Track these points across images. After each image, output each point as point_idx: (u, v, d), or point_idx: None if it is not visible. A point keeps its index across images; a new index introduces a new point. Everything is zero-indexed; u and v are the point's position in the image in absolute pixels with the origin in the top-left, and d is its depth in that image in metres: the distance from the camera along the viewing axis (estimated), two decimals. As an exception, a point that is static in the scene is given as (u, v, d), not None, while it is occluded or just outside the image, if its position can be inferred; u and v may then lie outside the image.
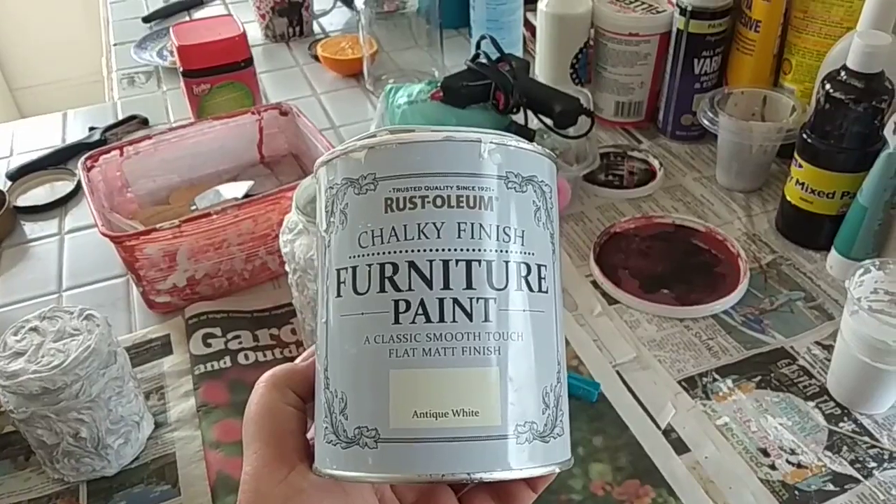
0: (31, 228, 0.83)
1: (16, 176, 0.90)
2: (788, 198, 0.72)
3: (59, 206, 0.86)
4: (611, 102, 0.91)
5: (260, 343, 0.65)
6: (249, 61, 0.88)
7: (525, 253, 0.29)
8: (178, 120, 0.99)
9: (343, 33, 1.20)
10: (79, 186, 0.87)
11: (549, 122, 0.77)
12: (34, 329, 0.53)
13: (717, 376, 0.61)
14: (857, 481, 0.52)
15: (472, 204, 0.28)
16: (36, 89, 2.51)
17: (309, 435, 0.32)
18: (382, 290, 0.28)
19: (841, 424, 0.56)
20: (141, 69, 1.14)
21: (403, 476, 0.28)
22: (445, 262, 0.28)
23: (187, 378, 0.62)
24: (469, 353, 0.28)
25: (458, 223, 0.28)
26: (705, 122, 0.77)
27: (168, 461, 0.56)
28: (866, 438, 0.55)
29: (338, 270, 0.30)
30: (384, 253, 0.29)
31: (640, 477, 0.53)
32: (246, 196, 0.74)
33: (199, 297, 0.68)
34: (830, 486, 0.52)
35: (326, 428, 0.29)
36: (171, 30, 0.87)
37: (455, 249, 0.28)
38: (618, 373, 0.61)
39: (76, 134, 0.99)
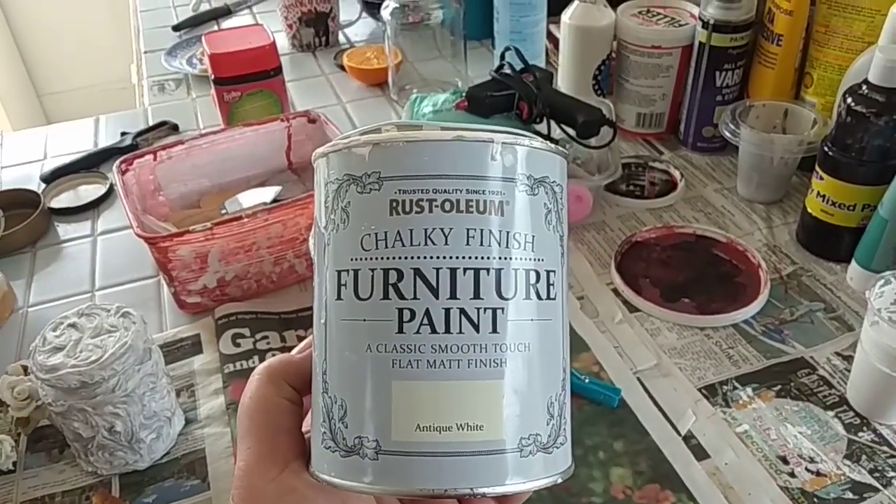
0: (64, 230, 0.85)
1: (50, 179, 0.92)
2: (809, 210, 0.73)
3: (91, 208, 0.88)
4: (632, 114, 0.92)
5: (287, 344, 0.66)
6: (279, 70, 0.90)
7: (535, 260, 0.28)
8: (208, 126, 1.01)
9: (368, 43, 1.22)
10: (111, 190, 0.90)
11: (571, 132, 0.78)
12: (73, 325, 0.55)
13: (737, 384, 0.61)
14: (876, 490, 0.53)
15: (482, 209, 0.27)
16: (62, 95, 2.56)
17: (304, 428, 0.31)
18: (386, 296, 0.27)
19: (860, 434, 0.57)
20: (171, 76, 1.17)
21: (404, 489, 0.27)
22: (453, 271, 0.27)
23: (217, 376, 0.64)
24: (475, 366, 0.27)
25: (468, 229, 0.27)
26: (727, 133, 0.78)
27: (198, 456, 0.58)
28: (885, 448, 0.56)
29: (338, 272, 0.29)
30: (388, 258, 0.27)
31: (659, 481, 0.54)
32: (274, 201, 0.76)
33: (229, 299, 0.70)
34: (849, 495, 0.53)
35: (325, 433, 0.28)
36: (203, 38, 0.90)
37: (463, 257, 0.27)
38: (638, 379, 0.62)
39: (108, 139, 1.02)
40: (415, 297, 0.27)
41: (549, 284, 0.29)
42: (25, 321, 0.73)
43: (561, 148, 0.30)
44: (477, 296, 0.27)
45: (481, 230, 0.27)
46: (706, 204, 0.82)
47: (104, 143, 1.01)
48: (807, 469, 0.54)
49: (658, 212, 0.81)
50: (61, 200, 0.90)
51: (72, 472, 0.58)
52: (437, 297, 0.27)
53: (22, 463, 0.58)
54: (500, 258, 0.27)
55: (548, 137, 0.79)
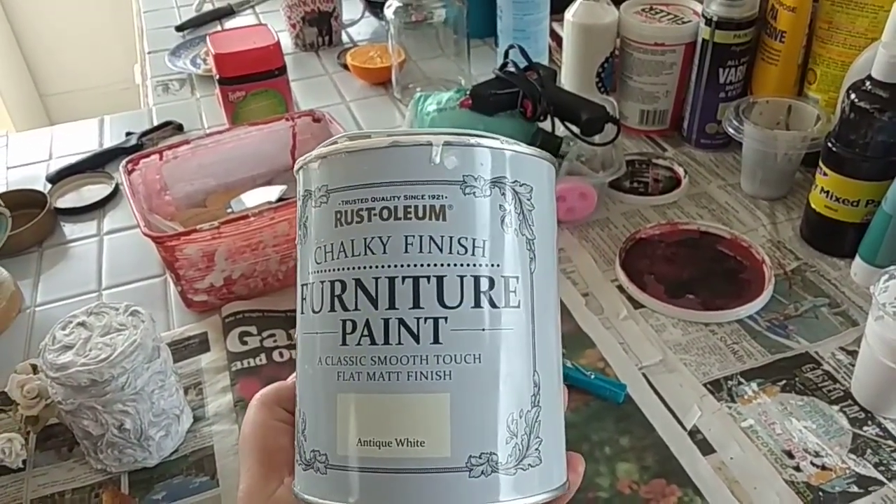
0: (70, 229, 0.86)
1: (56, 179, 0.93)
2: (813, 206, 0.73)
3: (97, 208, 0.88)
4: (636, 111, 0.93)
5: (294, 341, 0.66)
6: (283, 69, 0.90)
7: (486, 265, 0.27)
8: (212, 126, 1.02)
9: (371, 43, 1.22)
10: (116, 189, 0.90)
11: (575, 129, 0.78)
12: (82, 324, 0.55)
13: (742, 380, 0.61)
14: (881, 483, 0.53)
15: (420, 215, 0.26)
16: (65, 96, 2.57)
17: None
18: (332, 308, 0.27)
19: (865, 428, 0.57)
20: (175, 76, 1.17)
21: None
22: (391, 280, 0.26)
23: (224, 374, 0.64)
24: (415, 378, 0.26)
25: (406, 237, 0.26)
26: (730, 130, 0.79)
27: (206, 454, 0.58)
28: (890, 442, 0.56)
29: (301, 286, 0.29)
30: (334, 270, 0.27)
31: (666, 476, 0.54)
32: (279, 200, 0.77)
33: (235, 297, 0.71)
34: (854, 488, 0.53)
35: (296, 446, 0.29)
36: (207, 38, 0.90)
37: (401, 265, 0.26)
38: (644, 375, 0.62)
39: (113, 139, 1.02)
40: (356, 308, 0.26)
41: (508, 291, 0.27)
42: (33, 321, 0.74)
43: (534, 148, 0.29)
44: (417, 305, 0.26)
45: (420, 237, 0.26)
46: (710, 200, 0.83)
47: (109, 143, 1.01)
48: (812, 463, 0.55)
49: (662, 208, 0.82)
50: (67, 200, 0.90)
51: (81, 469, 0.58)
52: (376, 308, 0.26)
53: (31, 461, 0.59)
54: (441, 265, 0.26)
55: (551, 135, 0.79)
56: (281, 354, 0.65)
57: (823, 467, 0.54)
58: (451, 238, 0.26)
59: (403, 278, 0.26)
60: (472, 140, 0.27)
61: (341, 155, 0.27)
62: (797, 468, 0.54)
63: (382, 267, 0.26)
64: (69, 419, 0.55)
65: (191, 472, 0.57)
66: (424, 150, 0.26)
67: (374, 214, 0.26)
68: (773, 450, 0.56)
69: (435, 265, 0.26)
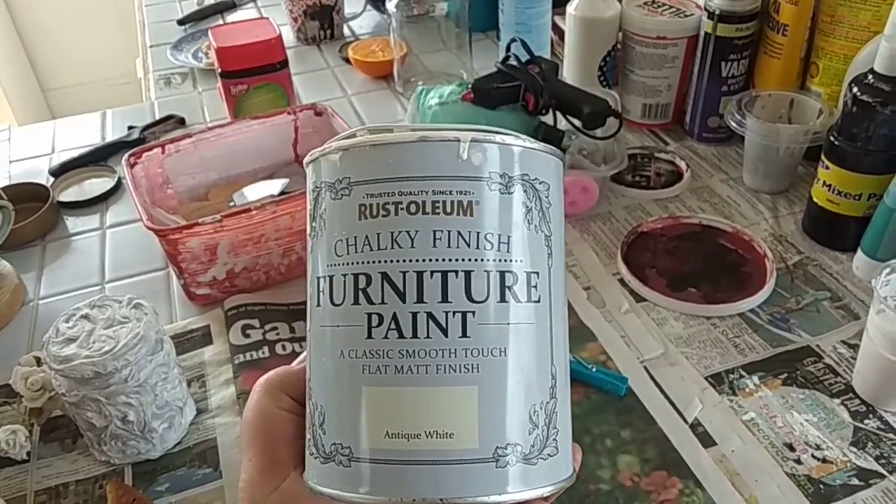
0: (73, 223, 0.86)
1: (58, 172, 0.93)
2: (815, 199, 0.73)
3: (100, 201, 0.88)
4: (638, 104, 0.93)
5: (297, 334, 0.67)
6: (285, 63, 0.90)
7: (511, 261, 0.27)
8: (214, 119, 1.02)
9: (373, 36, 1.22)
10: (119, 183, 0.90)
11: (577, 123, 0.78)
12: (85, 317, 0.55)
13: (743, 373, 0.62)
14: (882, 476, 0.53)
15: (448, 210, 0.27)
16: (66, 90, 2.57)
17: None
18: (356, 302, 0.27)
19: (866, 421, 0.57)
20: (177, 70, 1.17)
21: (374, 498, 0.27)
22: (419, 274, 0.26)
23: (227, 367, 0.64)
24: (443, 371, 0.26)
25: (434, 231, 0.26)
26: (733, 124, 0.78)
27: (209, 446, 0.58)
28: (891, 435, 0.56)
29: (318, 279, 0.29)
30: (358, 263, 0.27)
31: (667, 469, 0.55)
32: (282, 193, 0.77)
33: (238, 290, 0.71)
34: (855, 481, 0.53)
35: (310, 439, 0.29)
36: (209, 32, 0.90)
37: (430, 260, 0.26)
38: (645, 368, 0.63)
39: (115, 132, 1.02)
40: (382, 302, 0.27)
41: (530, 287, 0.28)
42: (36, 313, 0.74)
43: (547, 145, 0.29)
44: (445, 299, 0.26)
45: (448, 231, 0.27)
46: (712, 194, 0.83)
47: (111, 136, 1.01)
48: (813, 456, 0.55)
49: (664, 202, 0.82)
50: (70, 194, 0.90)
51: (85, 461, 0.58)
52: (404, 301, 0.26)
53: (36, 453, 0.59)
54: (469, 260, 0.27)
55: (553, 129, 0.79)
56: (283, 347, 0.65)
57: (824, 460, 0.55)
58: (478, 233, 0.27)
59: (432, 272, 0.26)
60: (498, 137, 0.27)
61: (366, 148, 0.27)
62: (798, 461, 0.55)
63: (410, 261, 0.26)
64: (73, 411, 0.55)
65: (194, 464, 0.57)
66: (452, 146, 0.27)
67: (402, 208, 0.27)
68: (774, 443, 0.56)
69: (463, 260, 0.26)
